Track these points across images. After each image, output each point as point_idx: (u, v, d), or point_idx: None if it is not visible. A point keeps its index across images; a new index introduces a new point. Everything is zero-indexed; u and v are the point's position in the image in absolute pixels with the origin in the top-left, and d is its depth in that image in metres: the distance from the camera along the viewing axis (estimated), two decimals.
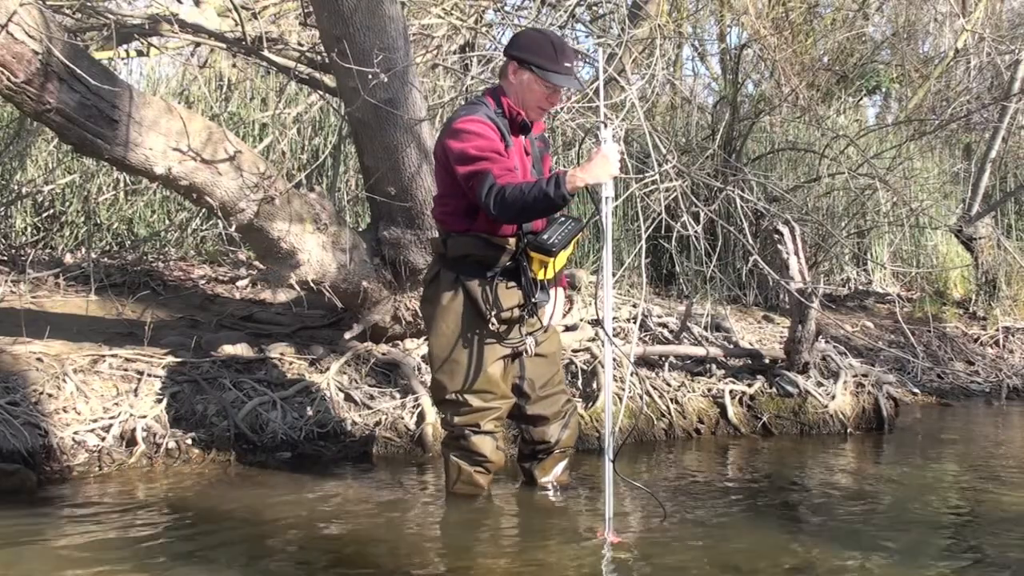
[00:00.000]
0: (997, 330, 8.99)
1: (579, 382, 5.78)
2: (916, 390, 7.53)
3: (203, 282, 6.81)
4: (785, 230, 6.16)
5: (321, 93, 6.57)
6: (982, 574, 3.44)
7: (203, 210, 6.01)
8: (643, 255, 5.42)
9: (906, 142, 10.14)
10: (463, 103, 5.39)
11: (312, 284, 5.17)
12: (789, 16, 10.92)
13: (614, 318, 6.38)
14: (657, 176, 5.65)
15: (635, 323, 6.04)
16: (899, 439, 6.01)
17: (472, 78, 6.41)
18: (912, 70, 12.89)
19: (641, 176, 5.89)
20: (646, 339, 6.48)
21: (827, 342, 6.74)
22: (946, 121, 11.50)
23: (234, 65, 8.08)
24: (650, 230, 5.75)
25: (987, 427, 6.78)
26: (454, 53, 7.19)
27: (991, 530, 4.02)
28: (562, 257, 3.91)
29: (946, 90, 13.21)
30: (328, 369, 5.37)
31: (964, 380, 8.12)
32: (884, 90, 13.04)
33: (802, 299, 5.94)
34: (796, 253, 6.14)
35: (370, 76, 4.69)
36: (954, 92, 13.17)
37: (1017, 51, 9.67)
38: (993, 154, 9.55)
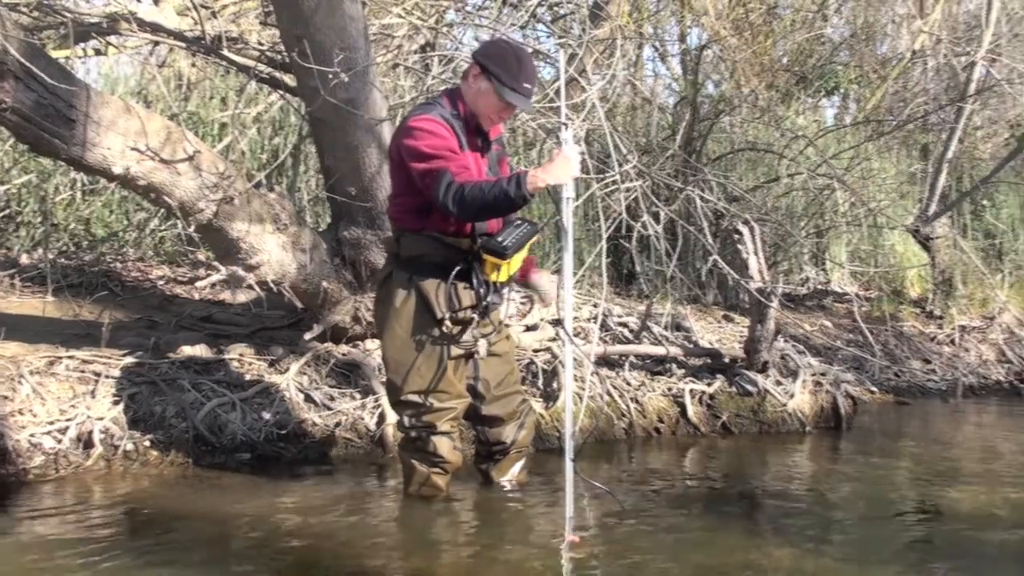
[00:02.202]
0: (953, 329, 9.11)
1: (540, 382, 5.79)
2: (874, 388, 7.61)
3: (162, 283, 6.76)
4: (745, 230, 6.21)
5: (281, 93, 6.54)
6: (938, 569, 3.50)
7: (162, 210, 5.96)
8: (604, 255, 5.45)
9: (864, 143, 10.25)
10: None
11: (272, 284, 5.14)
12: (749, 17, 11.01)
13: (575, 318, 6.40)
14: (618, 176, 5.67)
15: (596, 323, 6.06)
16: (857, 437, 6.08)
17: (433, 78, 6.40)
18: (870, 71, 13.03)
19: (602, 176, 5.91)
20: (606, 339, 6.50)
21: (786, 341, 6.80)
22: (903, 122, 11.63)
23: (193, 64, 8.02)
24: (611, 230, 5.77)
25: (943, 425, 6.88)
26: (415, 53, 7.18)
27: (946, 526, 4.09)
28: (516, 260, 3.91)
29: (903, 91, 13.36)
30: (288, 370, 5.35)
31: (921, 378, 8.22)
32: (842, 91, 13.16)
33: (761, 298, 5.99)
34: (755, 253, 6.19)
35: (330, 76, 4.68)
36: (911, 93, 13.32)
37: (973, 53, 9.79)
38: (949, 154, 9.67)
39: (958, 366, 8.53)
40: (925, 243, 9.58)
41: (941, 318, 9.37)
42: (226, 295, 6.42)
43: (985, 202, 11.48)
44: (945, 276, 9.52)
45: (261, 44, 6.28)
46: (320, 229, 5.84)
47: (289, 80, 5.97)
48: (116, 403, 4.89)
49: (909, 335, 8.83)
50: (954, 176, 11.32)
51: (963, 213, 11.26)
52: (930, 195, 9.60)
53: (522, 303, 6.46)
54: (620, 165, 5.68)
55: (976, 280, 9.50)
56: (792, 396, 6.16)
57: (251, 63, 6.15)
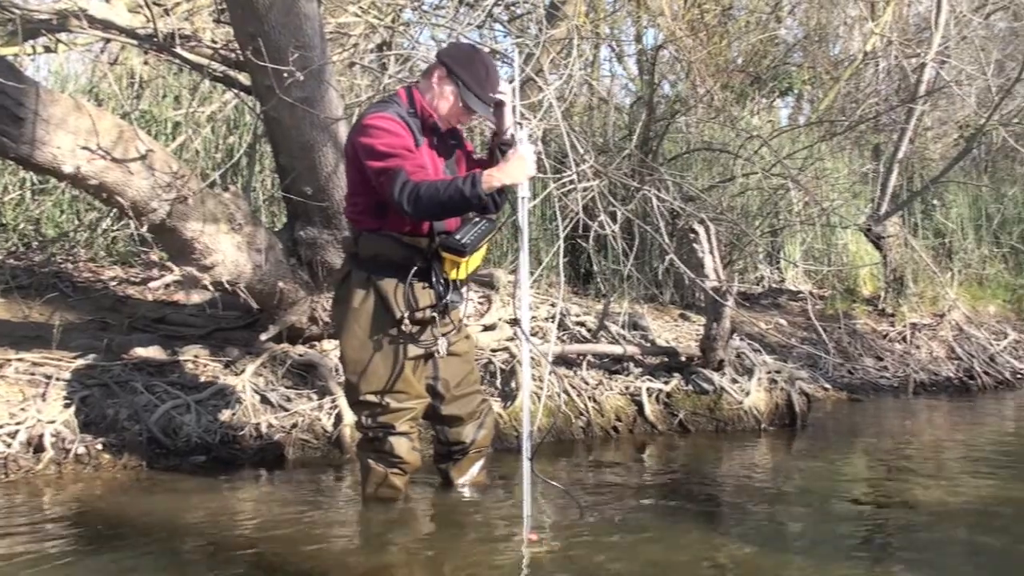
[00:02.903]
0: (905, 326, 9.23)
1: (498, 381, 5.79)
2: (828, 386, 7.70)
3: (114, 283, 6.67)
4: (700, 229, 6.25)
5: (236, 91, 6.47)
6: (893, 562, 3.54)
7: (114, 210, 5.87)
8: (561, 254, 5.45)
9: (817, 143, 10.35)
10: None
11: (227, 285, 5.10)
12: (704, 18, 11.07)
13: (533, 317, 6.41)
14: (575, 176, 5.68)
15: (553, 322, 6.07)
16: (811, 434, 6.14)
17: (390, 77, 6.37)
18: (823, 72, 13.17)
19: (559, 176, 5.92)
20: (564, 338, 6.52)
21: (741, 339, 6.85)
22: (855, 122, 11.77)
23: (146, 62, 7.91)
24: (568, 229, 5.78)
25: (895, 421, 6.96)
26: (371, 52, 7.14)
27: (900, 520, 4.13)
28: (475, 258, 3.90)
29: (855, 92, 13.52)
30: (244, 371, 5.31)
31: (873, 375, 8.32)
32: (796, 92, 13.28)
33: (717, 297, 6.03)
34: (711, 252, 6.23)
35: (285, 74, 4.64)
36: (863, 94, 13.49)
37: (923, 54, 9.92)
38: (900, 155, 9.78)
39: (909, 363, 8.64)
40: (877, 242, 9.69)
41: (893, 316, 9.49)
42: (180, 296, 6.34)
43: (935, 201, 11.64)
44: (896, 274, 9.63)
45: (215, 42, 6.21)
46: (276, 229, 5.80)
47: (244, 79, 5.92)
48: (67, 406, 4.82)
49: (862, 333, 8.93)
50: (905, 176, 11.47)
51: (914, 212, 11.41)
52: (882, 194, 9.71)
53: (480, 303, 6.46)
54: (577, 165, 5.69)
55: (927, 278, 9.62)
56: (748, 394, 6.20)
57: (205, 61, 6.08)
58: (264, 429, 5.08)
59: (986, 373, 8.80)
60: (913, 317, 9.35)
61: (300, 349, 5.62)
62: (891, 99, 12.83)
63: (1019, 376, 9.10)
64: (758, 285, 9.93)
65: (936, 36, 9.43)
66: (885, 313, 9.59)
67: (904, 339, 9.11)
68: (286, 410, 5.20)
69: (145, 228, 4.85)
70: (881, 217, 9.57)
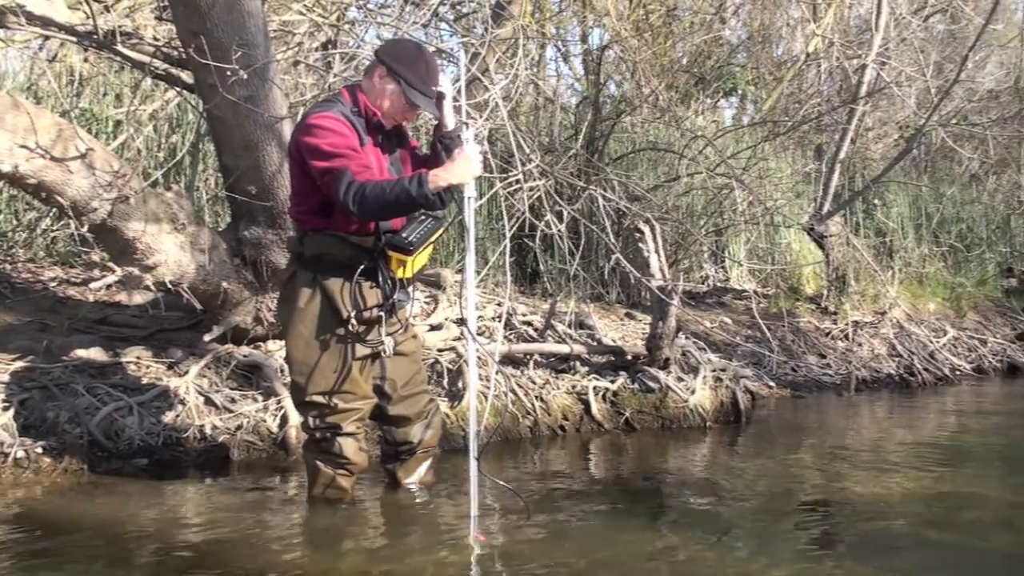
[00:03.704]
0: (847, 324, 9.36)
1: (445, 381, 5.79)
2: (772, 383, 7.79)
3: (54, 284, 6.55)
4: (646, 229, 6.30)
5: (178, 89, 6.39)
6: (835, 557, 3.59)
7: (54, 210, 5.78)
8: (507, 254, 5.46)
9: (761, 143, 10.47)
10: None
11: (170, 285, 5.04)
12: (649, 19, 11.15)
13: (479, 317, 6.41)
14: (521, 175, 5.69)
15: (500, 321, 6.08)
16: (755, 431, 6.21)
17: (335, 76, 6.34)
18: (766, 73, 13.34)
19: (505, 175, 5.92)
20: (511, 337, 6.52)
21: (687, 338, 6.90)
22: (798, 123, 11.92)
23: (86, 59, 7.79)
24: (514, 229, 5.79)
25: (837, 418, 7.06)
26: (316, 50, 7.09)
27: (842, 515, 4.20)
28: (422, 256, 3.90)
29: (798, 92, 13.70)
30: (187, 372, 5.24)
31: (816, 373, 8.43)
32: (740, 92, 13.44)
33: (663, 296, 6.08)
34: (657, 251, 6.28)
35: (229, 72, 4.59)
36: (806, 95, 13.67)
37: (863, 56, 10.07)
38: (842, 155, 9.93)
39: (852, 360, 8.77)
40: (819, 241, 9.83)
41: (835, 314, 9.62)
42: (122, 296, 6.25)
43: (876, 201, 11.83)
44: (839, 273, 9.77)
45: (157, 39, 6.13)
46: (220, 228, 5.74)
47: (186, 76, 5.85)
48: (6, 409, 4.73)
49: (805, 331, 9.05)
50: (847, 176, 11.65)
51: (855, 212, 11.59)
52: (824, 194, 9.85)
53: (426, 302, 6.44)
54: (523, 164, 5.70)
55: (868, 277, 9.77)
56: (693, 392, 6.26)
57: (146, 59, 6.00)
58: (208, 431, 5.02)
59: (926, 370, 8.97)
60: (855, 315, 9.49)
61: (245, 350, 5.57)
62: (833, 100, 13.01)
63: (958, 372, 9.30)
64: (703, 284, 10.03)
65: (876, 38, 9.59)
66: (828, 311, 9.72)
67: (846, 337, 9.25)
68: (231, 412, 5.15)
69: (86, 228, 4.77)
70: (823, 216, 9.70)
